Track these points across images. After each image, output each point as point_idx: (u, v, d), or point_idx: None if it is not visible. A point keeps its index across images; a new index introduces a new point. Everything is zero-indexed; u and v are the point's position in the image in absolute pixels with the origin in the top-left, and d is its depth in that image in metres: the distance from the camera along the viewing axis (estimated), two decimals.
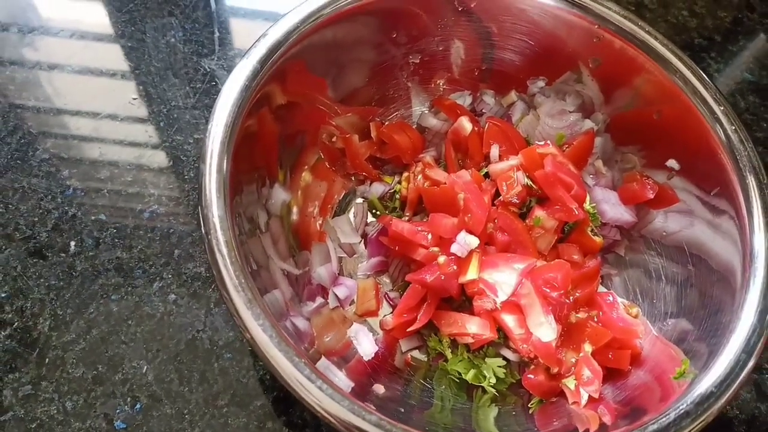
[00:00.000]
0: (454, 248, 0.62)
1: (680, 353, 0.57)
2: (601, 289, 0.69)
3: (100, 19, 0.86)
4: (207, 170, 0.53)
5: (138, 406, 0.63)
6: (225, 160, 0.54)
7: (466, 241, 0.61)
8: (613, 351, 0.62)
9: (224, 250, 0.51)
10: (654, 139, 0.69)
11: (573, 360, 0.61)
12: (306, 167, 0.71)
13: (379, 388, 0.60)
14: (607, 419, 0.54)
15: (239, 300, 0.49)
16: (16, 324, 0.66)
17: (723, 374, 0.50)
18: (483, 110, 0.76)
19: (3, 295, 0.67)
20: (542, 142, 0.71)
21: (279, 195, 0.66)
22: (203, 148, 0.54)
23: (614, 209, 0.70)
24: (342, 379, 0.57)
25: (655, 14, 0.96)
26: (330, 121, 0.71)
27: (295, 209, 0.69)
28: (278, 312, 0.57)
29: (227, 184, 0.53)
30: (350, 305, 0.68)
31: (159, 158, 0.76)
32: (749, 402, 0.68)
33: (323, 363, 0.57)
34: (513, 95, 0.75)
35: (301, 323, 0.60)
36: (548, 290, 0.60)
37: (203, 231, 0.52)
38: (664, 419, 0.48)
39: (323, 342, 0.62)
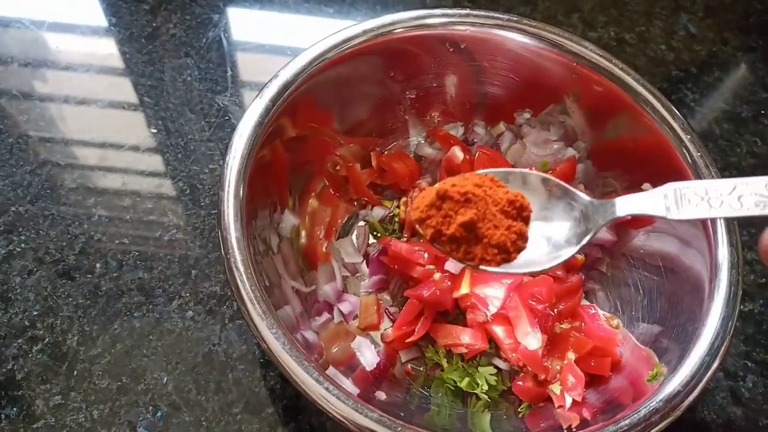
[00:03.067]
0: (448, 266, 0.68)
1: (654, 357, 0.63)
2: (585, 302, 0.74)
3: (121, 60, 0.93)
4: (225, 197, 0.59)
5: (159, 414, 0.68)
6: (241, 188, 0.60)
7: None
8: (594, 359, 0.67)
9: (241, 268, 0.57)
10: (631, 165, 0.75)
11: (558, 367, 0.67)
12: (313, 194, 0.77)
13: (381, 395, 0.65)
14: (588, 416, 0.60)
15: (254, 311, 0.55)
16: (47, 339, 0.72)
17: (689, 375, 0.55)
18: (474, 140, 0.83)
19: (35, 313, 0.73)
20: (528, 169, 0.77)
21: (289, 220, 0.73)
22: (222, 177, 0.61)
23: None
24: (348, 386, 0.63)
25: (636, 49, 1.03)
26: (334, 151, 0.78)
27: (303, 233, 0.75)
28: (290, 325, 0.63)
29: (243, 209, 0.59)
30: (354, 320, 0.73)
31: (177, 187, 0.83)
32: (725, 407, 0.73)
33: (331, 371, 0.63)
34: (501, 126, 0.82)
35: (310, 336, 0.66)
36: (534, 303, 0.66)
37: (222, 251, 0.58)
38: (635, 415, 0.53)
39: (330, 353, 0.67)
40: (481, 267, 0.49)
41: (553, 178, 0.54)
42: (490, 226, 0.48)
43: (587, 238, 0.51)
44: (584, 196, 0.53)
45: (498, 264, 0.49)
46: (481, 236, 0.48)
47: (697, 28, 1.06)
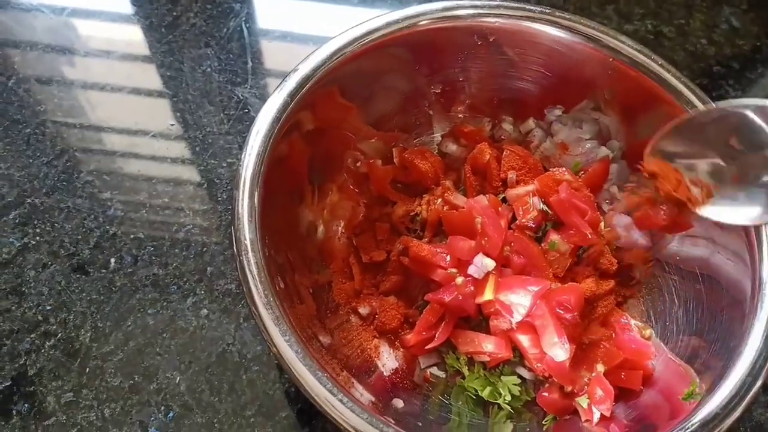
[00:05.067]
0: (471, 270, 0.65)
1: (691, 373, 0.59)
2: (615, 311, 0.71)
3: (142, 50, 0.92)
4: (240, 196, 0.57)
5: (171, 414, 0.67)
6: (256, 187, 0.58)
7: (483, 263, 0.64)
8: (625, 371, 0.64)
9: (254, 270, 0.54)
10: None
11: (586, 379, 0.63)
12: (333, 187, 0.74)
13: (399, 402, 0.63)
14: None
15: (268, 317, 0.53)
16: (59, 335, 0.70)
17: (729, 396, 0.52)
18: (502, 137, 0.79)
19: (48, 307, 0.72)
20: (558, 169, 0.73)
21: (306, 213, 0.70)
22: (237, 176, 0.58)
23: (629, 234, 0.72)
24: (363, 393, 0.60)
25: (674, 43, 0.98)
26: (355, 146, 0.75)
27: (321, 228, 0.72)
28: (304, 328, 0.60)
29: (258, 209, 0.57)
30: (372, 322, 0.71)
31: (194, 181, 0.81)
32: (763, 424, 0.69)
33: (345, 376, 0.60)
34: (531, 123, 0.78)
35: (325, 339, 0.63)
36: (562, 312, 0.63)
37: (235, 252, 0.56)
38: None
39: (346, 356, 0.65)
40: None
41: None
42: None
43: None
44: None
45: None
46: None
47: (740, 21, 1.01)
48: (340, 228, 0.75)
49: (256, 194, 0.57)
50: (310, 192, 0.70)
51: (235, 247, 0.55)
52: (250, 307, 0.54)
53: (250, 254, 0.55)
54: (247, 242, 0.55)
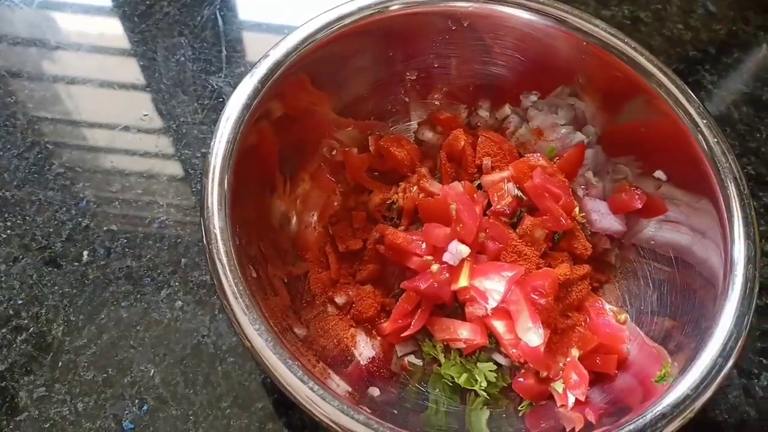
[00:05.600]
0: (446, 257, 0.64)
1: (665, 355, 0.59)
2: (591, 295, 0.71)
3: (114, 40, 0.90)
4: (209, 184, 0.56)
5: (145, 407, 0.66)
6: (226, 175, 0.57)
7: (457, 250, 0.64)
8: (600, 356, 0.64)
9: (224, 259, 0.54)
10: (644, 150, 0.71)
11: (561, 364, 0.63)
12: (306, 176, 0.74)
13: (375, 391, 0.63)
14: (592, 419, 0.56)
15: (237, 306, 0.52)
16: (31, 329, 0.69)
17: (699, 378, 0.52)
18: (478, 123, 0.79)
19: (20, 302, 0.71)
20: (533, 155, 0.73)
21: (279, 204, 0.69)
22: (206, 164, 0.57)
23: (604, 219, 0.72)
24: (339, 384, 0.60)
25: (651, 28, 0.98)
26: (331, 134, 0.74)
27: (294, 219, 0.72)
28: (277, 320, 0.60)
29: (228, 198, 0.56)
30: (349, 311, 0.70)
31: (168, 171, 0.80)
32: (738, 406, 0.69)
33: (321, 368, 0.60)
34: (507, 109, 0.78)
35: (300, 331, 0.63)
36: (536, 297, 0.62)
37: (204, 241, 0.55)
38: (640, 420, 0.50)
39: (322, 347, 0.65)
40: None
41: None
42: None
43: None
44: None
45: None
46: None
47: (717, 6, 1.01)
48: (314, 218, 0.74)
49: (226, 182, 0.57)
50: (281, 182, 0.70)
51: (204, 236, 0.55)
52: (220, 297, 0.53)
53: (219, 243, 0.54)
54: (217, 231, 0.55)
